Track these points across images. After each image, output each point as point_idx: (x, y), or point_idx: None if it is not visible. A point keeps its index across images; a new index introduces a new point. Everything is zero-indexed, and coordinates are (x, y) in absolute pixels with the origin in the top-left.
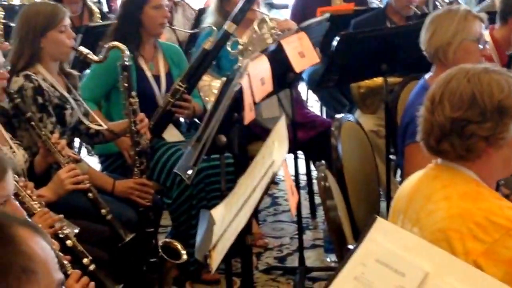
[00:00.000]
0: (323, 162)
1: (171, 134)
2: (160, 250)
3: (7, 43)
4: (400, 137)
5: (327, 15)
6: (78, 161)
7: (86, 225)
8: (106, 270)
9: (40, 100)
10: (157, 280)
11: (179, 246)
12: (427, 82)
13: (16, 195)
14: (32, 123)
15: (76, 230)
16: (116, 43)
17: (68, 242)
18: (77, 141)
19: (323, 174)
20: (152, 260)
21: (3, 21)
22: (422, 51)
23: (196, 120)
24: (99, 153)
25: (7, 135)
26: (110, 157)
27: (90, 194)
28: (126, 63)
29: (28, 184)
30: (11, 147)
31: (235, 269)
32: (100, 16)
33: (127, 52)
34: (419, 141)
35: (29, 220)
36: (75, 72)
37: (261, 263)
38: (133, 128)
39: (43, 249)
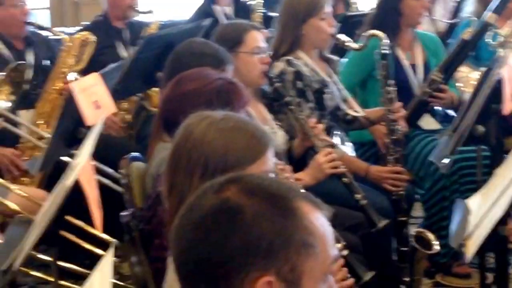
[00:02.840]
0: None
1: (428, 122)
2: (412, 240)
3: (265, 30)
4: None
5: None
6: (333, 146)
7: (338, 210)
8: (358, 256)
9: (299, 85)
10: (408, 269)
11: (431, 237)
12: None
13: None
14: (291, 106)
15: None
16: (375, 31)
17: None
18: None
19: None
20: (403, 249)
21: (262, 10)
22: None
23: (450, 112)
24: (353, 141)
25: (268, 116)
26: (364, 145)
27: (345, 179)
28: (385, 51)
29: (286, 168)
30: (272, 128)
31: (488, 264)
32: (356, 6)
33: (386, 41)
34: None
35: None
36: (335, 57)
37: None
38: (389, 116)
39: (323, 224)
